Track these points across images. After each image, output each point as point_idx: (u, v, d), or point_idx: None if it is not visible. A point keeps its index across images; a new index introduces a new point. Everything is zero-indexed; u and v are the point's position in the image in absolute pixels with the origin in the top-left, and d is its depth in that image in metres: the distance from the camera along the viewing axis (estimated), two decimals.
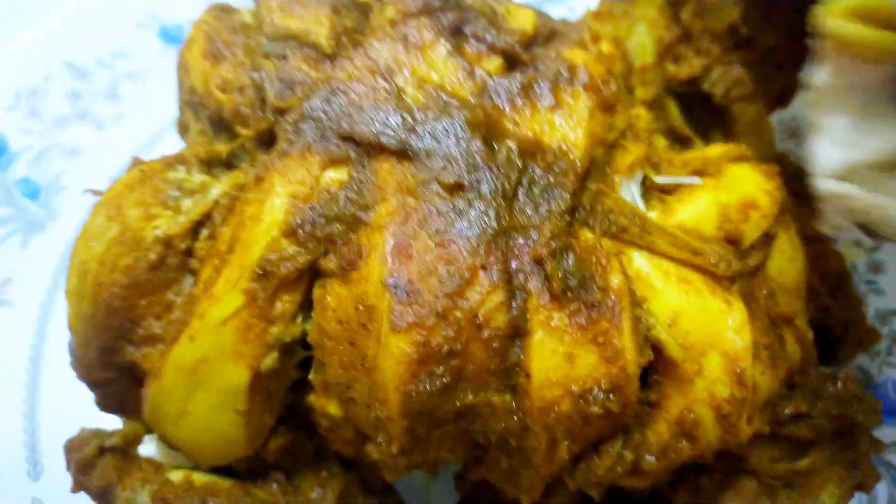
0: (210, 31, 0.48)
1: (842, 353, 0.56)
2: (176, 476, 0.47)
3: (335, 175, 0.41)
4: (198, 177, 0.46)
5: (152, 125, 0.61)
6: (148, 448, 0.50)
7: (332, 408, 0.42)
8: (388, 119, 0.41)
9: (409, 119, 0.41)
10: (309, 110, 0.42)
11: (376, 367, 0.38)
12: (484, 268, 0.38)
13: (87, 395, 0.47)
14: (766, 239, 0.45)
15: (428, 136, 0.41)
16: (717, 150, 0.48)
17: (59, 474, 0.50)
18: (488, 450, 0.43)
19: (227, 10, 0.51)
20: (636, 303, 0.40)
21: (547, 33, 0.48)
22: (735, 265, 0.41)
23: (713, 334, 0.40)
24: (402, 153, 0.40)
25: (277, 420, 0.46)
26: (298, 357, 0.43)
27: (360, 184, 0.40)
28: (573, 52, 0.46)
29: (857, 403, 0.50)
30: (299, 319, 0.41)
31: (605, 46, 0.47)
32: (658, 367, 0.40)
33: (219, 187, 0.45)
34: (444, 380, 0.37)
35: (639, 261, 0.41)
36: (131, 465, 0.47)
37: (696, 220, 0.43)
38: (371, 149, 0.41)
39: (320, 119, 0.41)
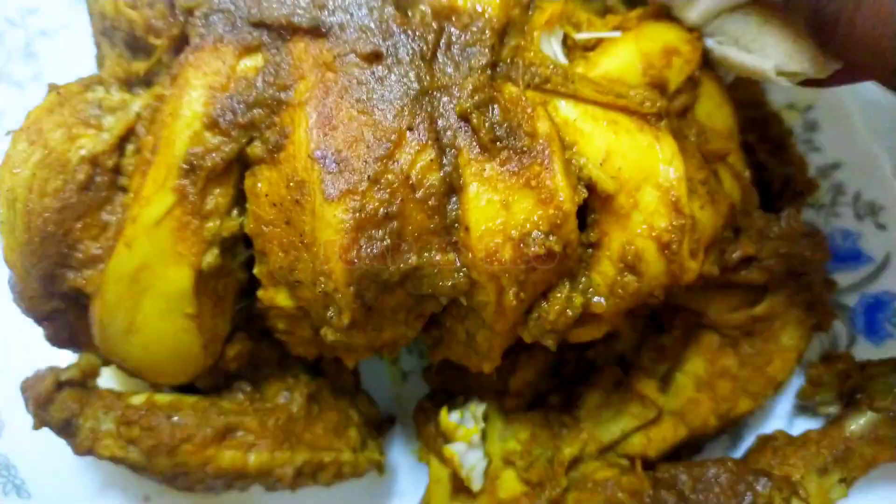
0: None
1: (784, 206, 0.57)
2: (138, 399, 0.47)
3: (251, 62, 0.40)
4: (117, 94, 0.45)
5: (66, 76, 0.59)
6: (106, 381, 0.50)
7: (282, 298, 0.42)
8: (297, 0, 0.41)
9: None
10: (217, 3, 0.41)
11: (315, 241, 0.38)
12: (410, 129, 0.38)
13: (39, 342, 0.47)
14: (691, 83, 0.45)
15: (339, 10, 0.40)
16: (636, 11, 0.48)
17: (21, 428, 0.49)
18: (444, 324, 0.44)
19: None
20: (566, 147, 0.40)
21: None
22: (661, 103, 0.42)
23: (645, 168, 0.40)
24: (315, 30, 0.40)
25: (233, 327, 0.46)
26: (242, 256, 0.43)
27: (277, 66, 0.40)
28: None
29: (804, 239, 0.51)
30: (235, 213, 0.41)
31: None
32: (594, 206, 0.41)
33: (139, 102, 0.44)
34: (385, 242, 0.37)
35: (565, 108, 0.41)
36: (91, 395, 0.47)
37: (619, 69, 0.44)
38: (283, 31, 0.40)
39: (229, 10, 0.41)
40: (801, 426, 0.55)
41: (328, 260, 0.38)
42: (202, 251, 0.40)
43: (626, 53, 0.44)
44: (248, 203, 0.40)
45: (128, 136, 0.43)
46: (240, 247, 0.42)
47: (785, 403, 0.59)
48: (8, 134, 0.45)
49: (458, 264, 0.39)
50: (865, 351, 0.59)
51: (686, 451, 0.56)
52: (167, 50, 0.44)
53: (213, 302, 0.43)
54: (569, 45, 0.45)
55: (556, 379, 0.55)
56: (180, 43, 0.43)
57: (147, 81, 0.46)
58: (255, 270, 0.42)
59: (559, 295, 0.40)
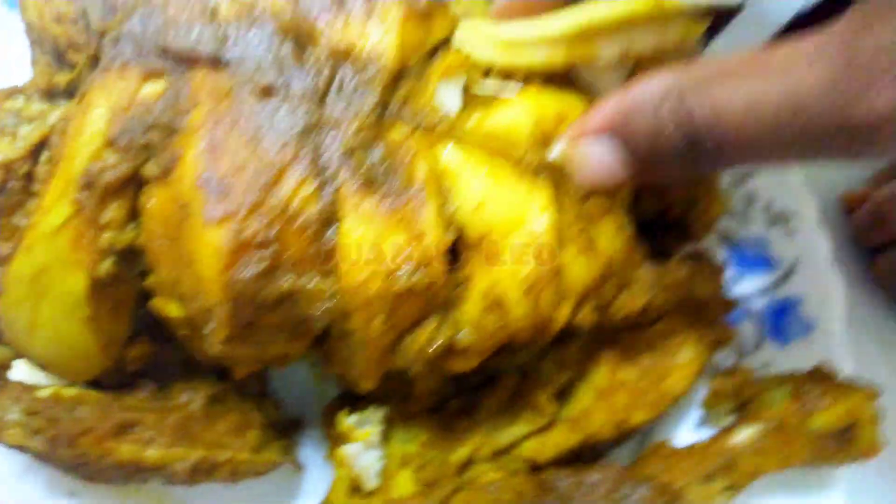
0: None
1: (694, 228, 0.59)
2: (45, 392, 0.49)
3: (153, 87, 0.43)
4: (37, 105, 0.48)
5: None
6: (20, 373, 0.53)
7: (172, 308, 0.44)
8: (201, 32, 0.43)
9: (222, 30, 0.43)
10: (127, 29, 0.44)
11: (196, 260, 0.41)
12: (294, 161, 0.41)
13: None
14: None
15: (240, 44, 0.43)
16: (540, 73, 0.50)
17: None
18: (328, 342, 0.47)
19: None
20: (444, 191, 0.43)
21: None
22: (542, 156, 0.44)
23: (518, 215, 0.43)
24: (216, 61, 0.43)
25: (135, 330, 0.49)
26: (141, 266, 0.45)
27: (177, 93, 0.42)
28: None
29: (696, 279, 0.54)
30: (131, 227, 0.44)
31: None
32: (466, 247, 0.43)
33: (57, 113, 0.47)
34: (261, 266, 0.40)
35: (448, 154, 0.44)
36: (1, 387, 0.50)
37: (510, 125, 0.46)
38: (186, 60, 0.43)
39: (137, 36, 0.43)
40: (707, 436, 0.58)
41: (207, 278, 0.40)
42: (98, 260, 0.43)
43: (520, 112, 0.46)
44: (142, 217, 0.43)
45: (42, 145, 0.46)
46: (138, 257, 0.45)
47: (694, 414, 0.62)
48: None
49: (332, 291, 0.42)
50: (772, 353, 0.63)
51: (587, 457, 0.58)
52: (86, 66, 0.47)
53: (110, 307, 0.46)
54: (467, 96, 0.48)
55: (458, 385, 0.58)
56: (96, 61, 0.46)
57: (68, 93, 0.49)
58: (148, 281, 0.44)
59: (427, 327, 0.43)
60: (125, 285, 0.46)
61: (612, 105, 0.40)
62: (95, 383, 0.51)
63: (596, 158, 0.42)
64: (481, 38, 0.47)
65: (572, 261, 0.45)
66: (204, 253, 0.40)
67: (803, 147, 0.34)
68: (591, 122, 0.42)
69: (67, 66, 0.49)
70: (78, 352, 0.46)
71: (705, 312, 0.58)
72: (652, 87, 0.38)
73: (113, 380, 0.51)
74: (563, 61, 0.46)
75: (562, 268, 0.45)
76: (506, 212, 0.43)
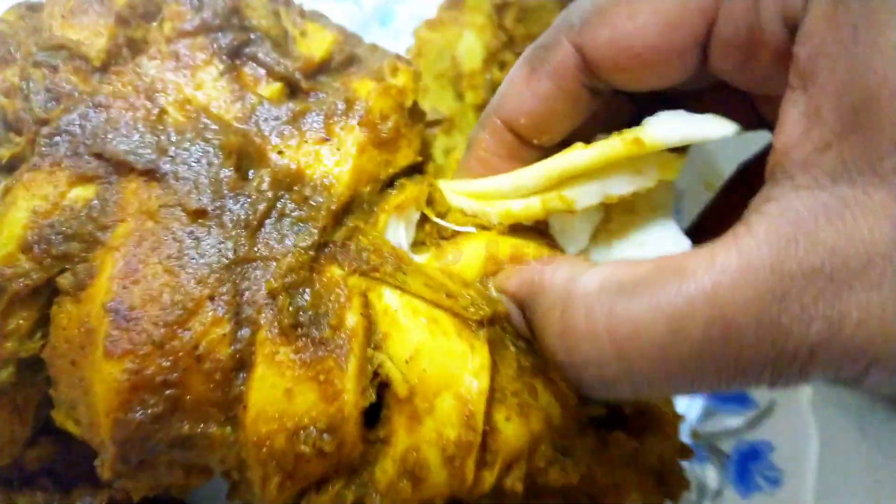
0: (6, 31, 0.48)
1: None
2: None
3: (82, 192, 0.40)
4: None
5: None
6: None
7: (70, 425, 0.41)
8: (142, 139, 0.41)
9: (164, 140, 0.41)
10: (65, 124, 0.41)
11: (91, 391, 0.38)
12: (211, 298, 0.38)
13: None
14: None
15: (180, 159, 0.40)
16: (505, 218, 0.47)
17: None
18: (231, 479, 0.43)
19: (34, 9, 0.50)
20: (375, 341, 0.40)
21: (344, 60, 0.47)
22: (485, 310, 0.41)
23: (450, 375, 0.40)
24: (151, 174, 0.40)
25: (37, 431, 0.46)
26: (46, 372, 0.43)
27: (104, 203, 0.40)
28: (362, 83, 0.46)
29: (648, 440, 0.50)
30: (38, 336, 0.41)
31: (402, 78, 0.47)
32: (389, 403, 0.40)
33: None
34: (157, 409, 0.37)
35: (389, 297, 0.41)
36: None
37: (462, 264, 0.43)
38: (121, 168, 0.40)
39: (75, 134, 0.41)
40: None
41: (98, 413, 0.37)
42: None
43: (474, 251, 0.43)
44: (51, 329, 0.40)
45: None
46: (43, 367, 0.42)
47: None
48: None
49: (232, 439, 0.38)
50: (732, 502, 0.58)
51: None
52: (27, 146, 0.44)
53: (9, 410, 0.43)
54: (426, 230, 0.45)
55: None
56: (34, 146, 0.43)
57: (9, 168, 0.46)
58: (50, 391, 0.42)
59: (331, 489, 0.39)
60: (29, 389, 0.43)
61: (525, 276, 0.39)
62: None
63: (516, 318, 0.40)
64: (455, 187, 0.44)
65: (503, 424, 0.42)
66: (99, 387, 0.37)
67: (731, 375, 0.31)
68: (509, 283, 0.40)
69: (12, 141, 0.46)
70: None
71: (659, 468, 0.54)
72: (560, 279, 0.35)
73: (12, 474, 0.48)
74: (539, 213, 0.43)
75: (490, 432, 0.41)
76: (439, 369, 0.40)
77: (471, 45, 0.56)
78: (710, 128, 0.38)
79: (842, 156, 0.29)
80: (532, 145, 0.44)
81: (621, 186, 0.41)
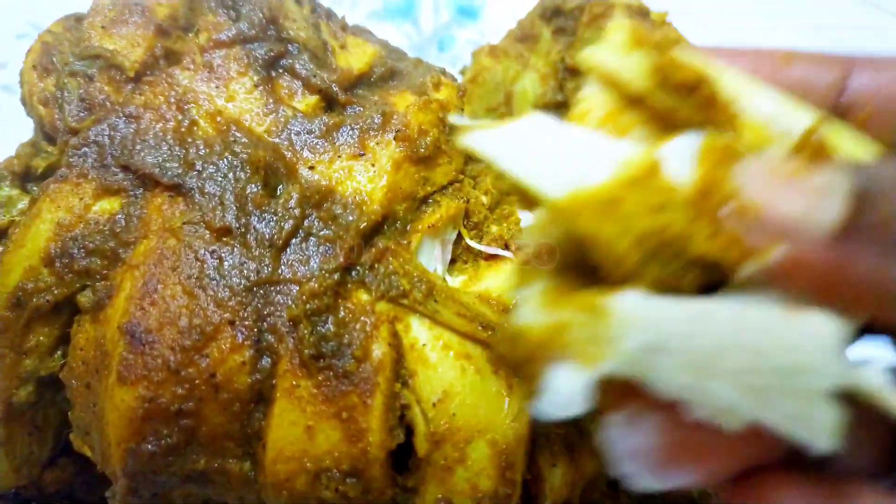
0: (50, 43, 0.47)
1: None
2: None
3: (107, 205, 0.39)
4: (7, 191, 0.44)
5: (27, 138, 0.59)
6: None
7: (87, 450, 0.40)
8: (170, 151, 0.39)
9: (192, 153, 0.39)
10: (94, 135, 0.40)
11: (103, 418, 0.36)
12: (231, 323, 0.35)
13: None
14: None
15: (207, 173, 0.38)
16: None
17: None
18: None
19: (82, 21, 0.50)
20: (403, 377, 0.37)
21: (385, 74, 0.45)
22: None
23: (484, 419, 0.36)
24: (177, 189, 0.38)
25: (57, 453, 0.44)
26: (65, 394, 0.41)
27: (128, 217, 0.38)
28: (401, 96, 0.43)
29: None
30: (58, 354, 0.39)
31: (445, 92, 0.44)
32: (421, 446, 0.36)
33: (26, 201, 0.44)
34: (171, 440, 0.35)
35: (417, 329, 0.37)
36: None
37: (500, 289, 0.40)
38: (147, 181, 0.39)
39: (103, 145, 0.39)
40: None
41: (110, 443, 0.35)
42: (15, 386, 0.39)
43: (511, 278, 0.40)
44: (69, 349, 0.39)
45: (4, 233, 0.43)
46: (63, 386, 0.40)
47: None
48: None
49: (252, 476, 0.36)
50: None
51: None
52: (60, 156, 0.43)
53: (27, 431, 0.41)
54: (463, 247, 0.42)
55: None
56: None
57: (44, 178, 0.45)
58: (70, 414, 0.40)
59: None
60: (48, 409, 0.41)
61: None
62: (18, 496, 0.47)
63: None
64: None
65: (549, 472, 0.38)
66: (111, 414, 0.35)
67: None
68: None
69: (47, 151, 0.45)
70: None
71: None
72: None
73: (31, 495, 0.46)
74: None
75: (534, 481, 0.38)
76: (470, 413, 0.36)
77: (526, 88, 0.52)
78: None
79: None
80: None
81: None
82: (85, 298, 0.38)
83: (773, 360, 0.22)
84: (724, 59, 0.29)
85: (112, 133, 0.40)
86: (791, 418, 0.22)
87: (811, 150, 0.25)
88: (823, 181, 0.23)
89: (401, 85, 0.44)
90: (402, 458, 0.37)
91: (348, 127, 0.40)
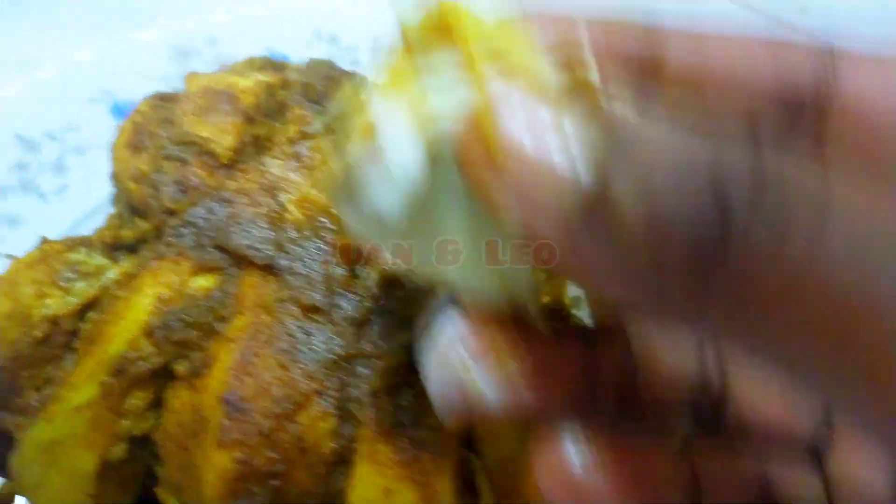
0: (140, 122, 0.52)
1: None
2: None
3: (204, 282, 0.43)
4: (97, 259, 0.49)
5: (95, 198, 0.63)
6: None
7: (172, 502, 0.43)
8: (262, 234, 0.43)
9: (283, 236, 0.43)
10: (191, 216, 0.44)
11: (200, 478, 0.39)
12: (319, 393, 0.40)
13: None
14: None
15: (295, 255, 0.43)
16: None
17: None
18: None
19: (166, 100, 0.55)
20: (473, 446, 0.41)
21: None
22: None
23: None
24: (269, 269, 0.42)
25: (140, 501, 0.48)
26: (153, 450, 0.45)
27: (224, 294, 0.42)
28: None
29: None
30: (151, 415, 0.43)
31: None
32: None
33: (114, 272, 0.48)
34: (262, 499, 0.38)
35: None
36: None
37: None
38: (241, 261, 0.43)
39: (200, 226, 0.44)
40: None
41: (207, 499, 0.39)
42: (111, 444, 0.42)
43: None
44: (164, 411, 0.42)
45: (93, 303, 0.47)
46: (153, 445, 0.44)
47: None
48: (8, 258, 0.49)
49: None
50: None
51: None
52: (151, 233, 0.48)
53: (116, 483, 0.45)
54: None
55: None
56: (159, 233, 0.47)
57: (132, 248, 0.50)
58: (157, 469, 0.43)
59: None
60: (136, 465, 0.45)
61: None
62: None
63: None
64: None
65: None
66: (209, 475, 0.39)
67: None
68: None
69: (135, 224, 0.50)
70: None
71: None
72: None
73: None
74: None
75: None
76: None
77: None
78: None
79: None
80: None
81: None
82: (181, 367, 0.42)
83: None
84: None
85: (208, 216, 0.44)
86: None
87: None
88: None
89: None
90: None
91: None
